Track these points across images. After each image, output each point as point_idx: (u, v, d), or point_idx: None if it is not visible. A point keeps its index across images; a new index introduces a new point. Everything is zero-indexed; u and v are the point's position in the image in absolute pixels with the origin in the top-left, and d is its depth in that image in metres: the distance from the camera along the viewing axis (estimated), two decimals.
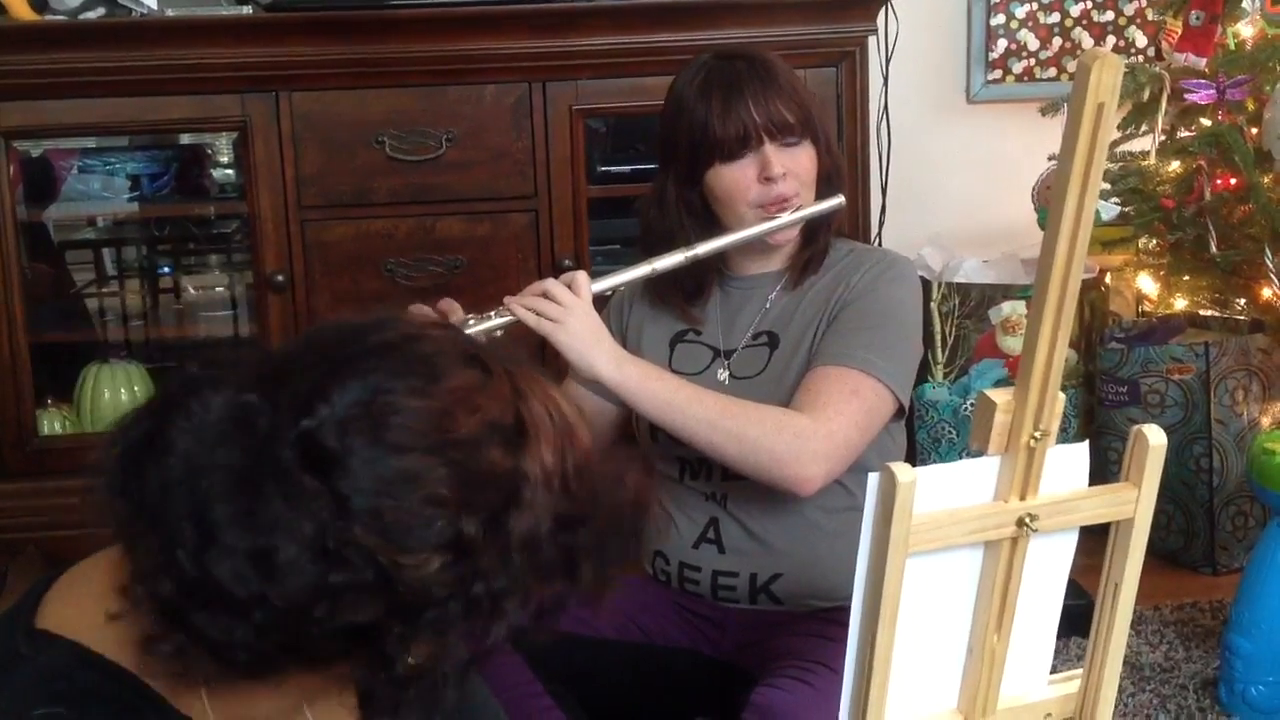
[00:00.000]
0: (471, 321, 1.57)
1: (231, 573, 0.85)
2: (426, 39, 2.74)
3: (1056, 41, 3.40)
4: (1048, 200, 2.89)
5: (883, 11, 3.02)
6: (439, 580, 0.89)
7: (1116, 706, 1.20)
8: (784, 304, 1.78)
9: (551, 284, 1.61)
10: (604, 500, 0.97)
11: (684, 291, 1.79)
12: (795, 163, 1.70)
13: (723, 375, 1.77)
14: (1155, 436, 1.08)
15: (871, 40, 2.90)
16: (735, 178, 1.70)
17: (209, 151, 3.16)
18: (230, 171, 3.11)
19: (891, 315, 1.70)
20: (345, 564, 0.86)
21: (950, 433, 3.05)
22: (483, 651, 0.95)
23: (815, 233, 1.76)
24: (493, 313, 1.60)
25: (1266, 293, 2.70)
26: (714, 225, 1.75)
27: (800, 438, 1.59)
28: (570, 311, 1.59)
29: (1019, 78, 3.42)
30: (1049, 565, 1.12)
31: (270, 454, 0.87)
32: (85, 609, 0.95)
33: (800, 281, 1.77)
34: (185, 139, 3.13)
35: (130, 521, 0.90)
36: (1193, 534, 2.88)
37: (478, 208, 2.83)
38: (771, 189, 1.69)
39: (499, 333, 1.59)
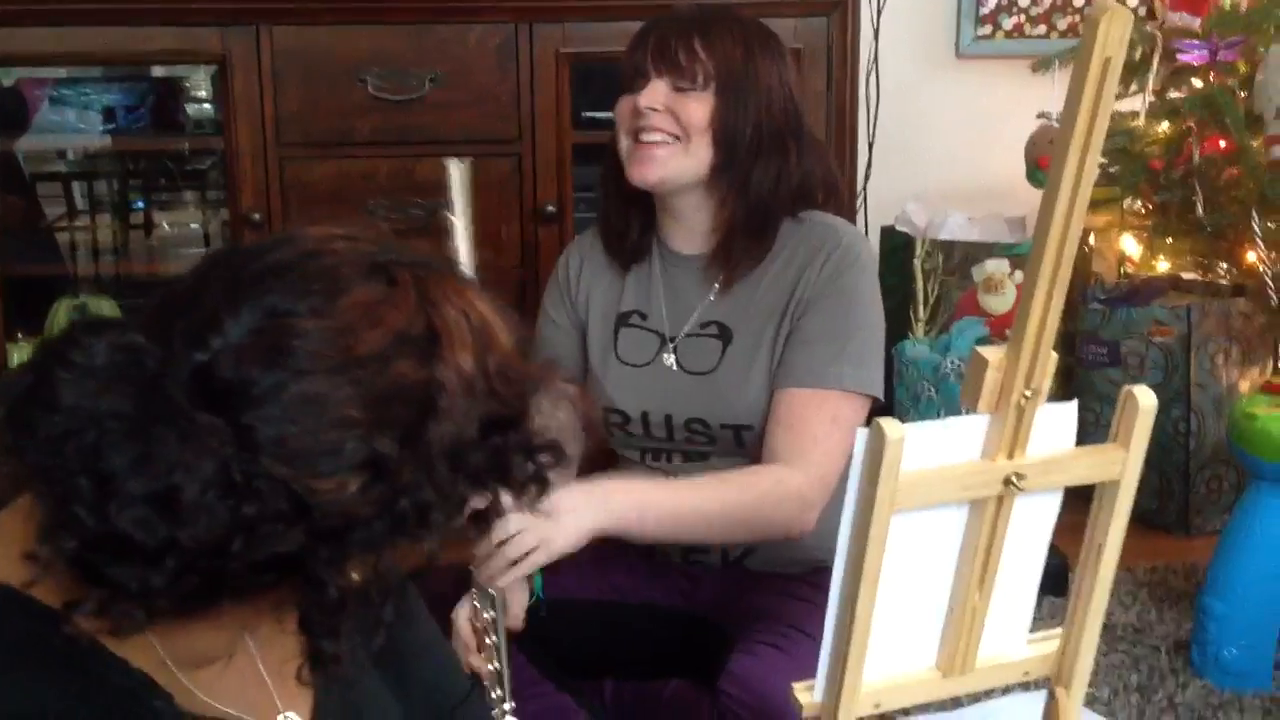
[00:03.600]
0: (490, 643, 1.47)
1: (135, 521, 0.82)
2: None
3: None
4: (1040, 157, 2.89)
5: None
6: (360, 501, 0.86)
7: None
8: (736, 292, 1.70)
9: (498, 535, 1.44)
10: (531, 400, 0.94)
11: (625, 251, 1.76)
12: (682, 107, 1.64)
13: (669, 361, 1.72)
14: (1146, 398, 1.07)
15: None
16: (622, 108, 1.69)
17: (185, 85, 3.11)
18: (208, 107, 3.06)
19: (857, 313, 1.65)
20: (256, 496, 0.83)
21: (929, 390, 3.04)
22: (421, 566, 0.93)
23: (750, 219, 1.67)
24: (490, 620, 1.48)
25: (1251, 257, 2.69)
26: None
27: (799, 499, 1.57)
28: (533, 531, 1.45)
29: (1009, 34, 3.38)
30: (1033, 525, 1.11)
31: (161, 394, 0.84)
32: (9, 554, 0.90)
33: (735, 275, 1.70)
34: (160, 72, 3.08)
35: (26, 481, 0.87)
36: (1168, 496, 2.89)
37: (460, 150, 2.76)
38: (640, 123, 1.66)
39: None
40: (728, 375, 1.68)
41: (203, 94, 3.09)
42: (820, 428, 1.59)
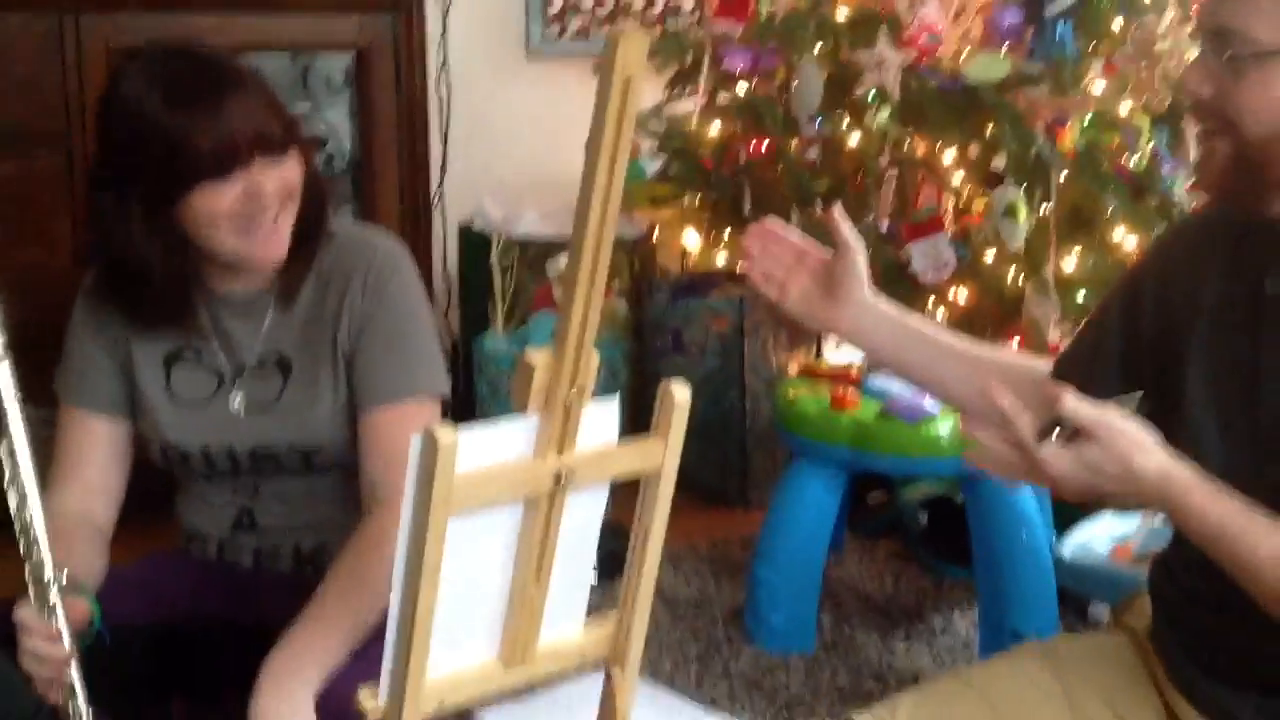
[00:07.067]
0: None
1: None
2: None
3: (611, 0, 3.51)
4: None
5: None
6: None
7: (653, 642, 1.28)
8: (283, 320, 1.67)
9: None
10: None
11: (164, 315, 1.65)
12: (284, 175, 1.57)
13: (236, 405, 1.67)
14: (680, 393, 1.15)
15: None
16: (218, 200, 1.53)
17: None
18: None
19: (410, 319, 1.66)
20: None
21: (509, 383, 3.12)
22: None
23: (307, 240, 1.64)
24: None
25: None
26: (190, 252, 1.60)
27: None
28: None
29: (576, 34, 3.50)
30: (584, 517, 1.17)
31: None
32: None
33: (292, 295, 1.67)
34: None
35: None
36: (729, 472, 3.10)
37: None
38: (258, 209, 1.55)
39: None
40: (291, 404, 1.66)
41: None
42: (404, 446, 1.58)
